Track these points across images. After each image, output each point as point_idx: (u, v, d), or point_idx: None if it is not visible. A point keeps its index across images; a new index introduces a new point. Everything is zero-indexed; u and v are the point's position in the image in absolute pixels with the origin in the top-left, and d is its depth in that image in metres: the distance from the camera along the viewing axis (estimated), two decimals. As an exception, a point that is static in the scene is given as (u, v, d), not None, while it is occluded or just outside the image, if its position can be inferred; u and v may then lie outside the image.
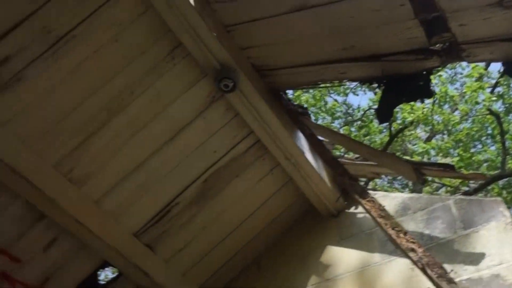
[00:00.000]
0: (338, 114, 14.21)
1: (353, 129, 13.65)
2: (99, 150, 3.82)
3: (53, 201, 3.67)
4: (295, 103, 4.68)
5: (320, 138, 4.58)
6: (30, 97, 3.45)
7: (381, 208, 4.35)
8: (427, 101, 12.46)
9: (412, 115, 12.50)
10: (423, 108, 12.60)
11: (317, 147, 4.45)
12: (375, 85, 3.94)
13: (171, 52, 3.70)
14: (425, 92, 3.88)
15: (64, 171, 3.76)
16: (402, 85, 3.82)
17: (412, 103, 11.71)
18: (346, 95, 14.09)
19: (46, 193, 3.63)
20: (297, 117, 4.36)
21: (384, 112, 4.06)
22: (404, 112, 12.43)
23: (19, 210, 3.74)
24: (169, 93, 3.86)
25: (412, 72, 3.76)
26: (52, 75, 3.44)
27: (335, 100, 14.18)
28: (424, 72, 3.78)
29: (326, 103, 13.80)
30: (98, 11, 3.39)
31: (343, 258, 4.51)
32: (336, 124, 13.94)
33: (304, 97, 12.73)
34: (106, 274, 7.55)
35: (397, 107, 6.97)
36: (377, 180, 13.27)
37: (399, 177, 13.78)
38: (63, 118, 3.60)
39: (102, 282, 4.59)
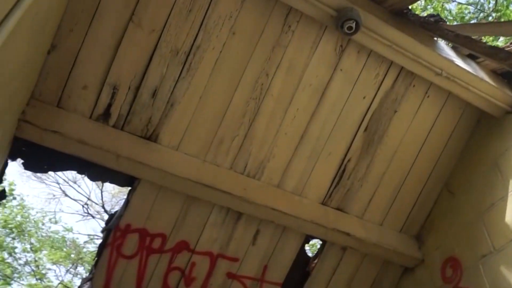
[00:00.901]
0: (468, 16, 12.93)
1: (489, 24, 12.31)
2: (261, 139, 4.02)
3: (242, 198, 3.95)
4: (424, 15, 4.36)
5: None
6: (187, 116, 3.78)
7: None
8: None
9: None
10: None
11: (468, 45, 4.08)
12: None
13: (285, 21, 3.74)
14: None
15: (240, 169, 4.05)
16: None
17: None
18: (468, -9, 12.75)
19: (234, 193, 3.92)
20: (432, 27, 4.07)
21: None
22: (542, -20, 10.81)
23: (218, 217, 4.11)
24: (299, 60, 3.90)
25: None
26: (195, 89, 3.73)
27: (459, 3, 12.92)
28: None
29: (449, 10, 12.65)
30: (206, 15, 3.60)
31: (538, 150, 4.09)
32: (469, 28, 12.69)
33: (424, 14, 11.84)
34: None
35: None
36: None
37: None
38: (220, 122, 3.87)
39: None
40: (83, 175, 3.74)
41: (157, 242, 4.05)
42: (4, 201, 13.27)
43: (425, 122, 4.47)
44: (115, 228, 3.90)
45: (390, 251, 4.49)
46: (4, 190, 3.52)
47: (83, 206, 15.50)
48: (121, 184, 3.95)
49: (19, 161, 3.60)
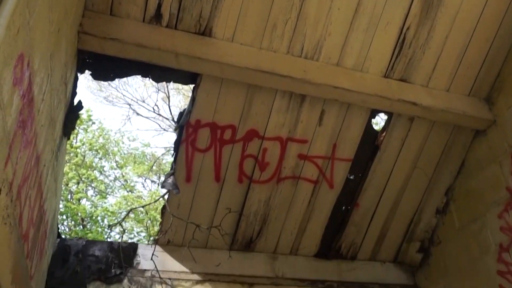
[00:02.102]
0: None
1: None
2: (314, 18, 3.94)
3: (302, 80, 3.97)
4: None
5: None
6: (236, 5, 3.76)
7: None
8: None
9: None
10: None
11: None
12: None
13: None
14: None
15: (297, 52, 4.03)
16: None
17: None
18: None
19: (294, 76, 3.94)
20: None
21: None
22: None
23: (282, 102, 4.19)
24: None
25: None
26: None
27: None
28: None
29: None
30: None
31: None
32: None
33: None
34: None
35: None
36: None
37: None
38: (270, 7, 3.82)
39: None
40: (147, 78, 3.90)
41: (227, 133, 4.25)
42: (85, 126, 14.20)
43: (489, -26, 4.14)
44: (186, 124, 4.11)
45: (460, 116, 4.41)
46: (80, 101, 3.76)
47: (155, 122, 16.26)
48: (184, 82, 4.10)
49: (87, 73, 3.82)
